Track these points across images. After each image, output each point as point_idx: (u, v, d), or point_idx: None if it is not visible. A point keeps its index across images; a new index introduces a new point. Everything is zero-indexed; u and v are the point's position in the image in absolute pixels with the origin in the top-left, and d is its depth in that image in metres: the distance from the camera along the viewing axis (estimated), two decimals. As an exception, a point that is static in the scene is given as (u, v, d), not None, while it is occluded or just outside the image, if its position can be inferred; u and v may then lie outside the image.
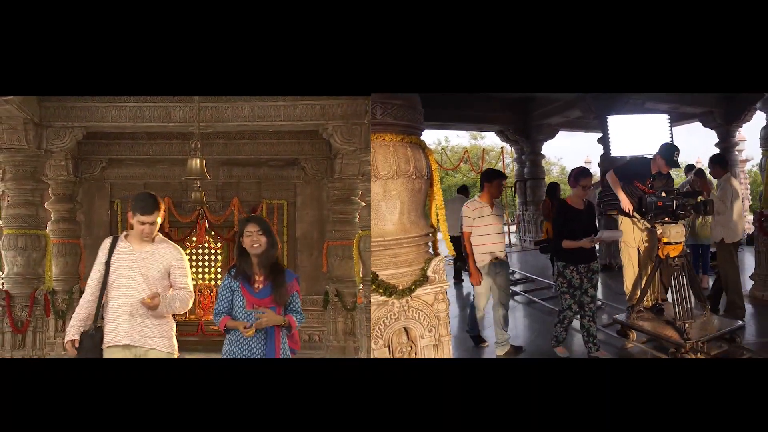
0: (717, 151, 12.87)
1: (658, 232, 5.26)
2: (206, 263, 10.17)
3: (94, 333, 3.59)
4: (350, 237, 7.77)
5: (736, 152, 14.40)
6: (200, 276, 10.02)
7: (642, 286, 5.71)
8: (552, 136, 14.89)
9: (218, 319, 3.56)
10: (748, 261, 9.27)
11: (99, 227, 9.57)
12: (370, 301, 6.71)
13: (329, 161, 8.77)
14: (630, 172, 6.02)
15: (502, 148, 17.68)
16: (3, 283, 7.12)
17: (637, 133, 9.36)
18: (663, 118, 9.69)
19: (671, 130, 9.64)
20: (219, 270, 10.04)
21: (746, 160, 22.55)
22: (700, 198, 5.36)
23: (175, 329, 3.81)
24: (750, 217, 13.33)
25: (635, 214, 5.72)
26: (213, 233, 9.86)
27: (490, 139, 30.96)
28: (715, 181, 7.33)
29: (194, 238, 9.84)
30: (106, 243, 3.78)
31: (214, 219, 9.60)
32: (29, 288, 6.93)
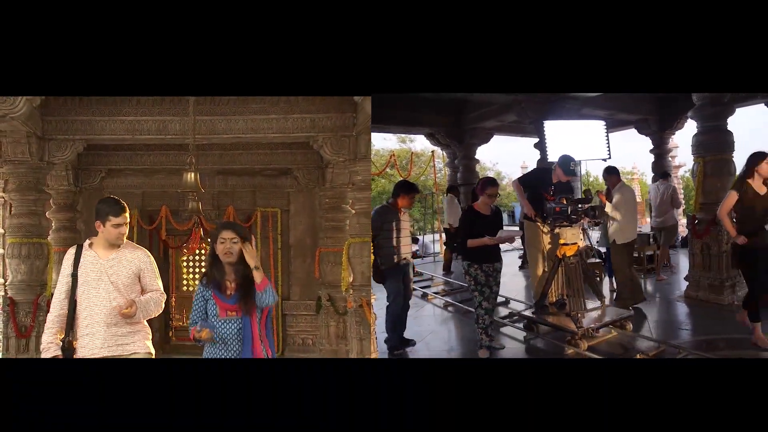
0: (652, 157, 13.58)
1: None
2: (203, 269, 10.43)
3: (66, 347, 3.46)
4: (342, 244, 7.96)
5: (670, 158, 14.84)
6: (196, 282, 10.27)
7: (545, 284, 6.16)
8: (486, 140, 14.31)
9: (190, 329, 3.45)
10: (682, 263, 9.61)
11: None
12: (361, 306, 7.05)
13: (321, 170, 9.01)
14: (533, 180, 6.66)
15: (432, 152, 16.73)
16: (7, 290, 7.34)
17: (574, 138, 9.29)
18: (599, 124, 9.73)
19: (607, 136, 9.67)
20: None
21: (679, 166, 23.16)
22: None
23: (150, 334, 3.72)
24: (684, 221, 13.74)
25: (537, 218, 6.25)
26: (209, 240, 10.10)
27: (421, 143, 29.71)
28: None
29: (190, 245, 10.09)
30: (70, 254, 3.63)
31: (209, 227, 9.84)
32: (32, 294, 7.16)
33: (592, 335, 5.60)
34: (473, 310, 5.80)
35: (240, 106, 7.18)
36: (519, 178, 6.94)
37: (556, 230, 5.77)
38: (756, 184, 5.33)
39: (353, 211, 7.35)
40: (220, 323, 3.39)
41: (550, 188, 6.33)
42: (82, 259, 3.55)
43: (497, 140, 15.23)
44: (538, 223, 6.26)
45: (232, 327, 3.39)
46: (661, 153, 13.60)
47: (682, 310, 7.17)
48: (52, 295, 7.22)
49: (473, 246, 5.38)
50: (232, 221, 3.95)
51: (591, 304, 6.12)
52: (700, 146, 7.42)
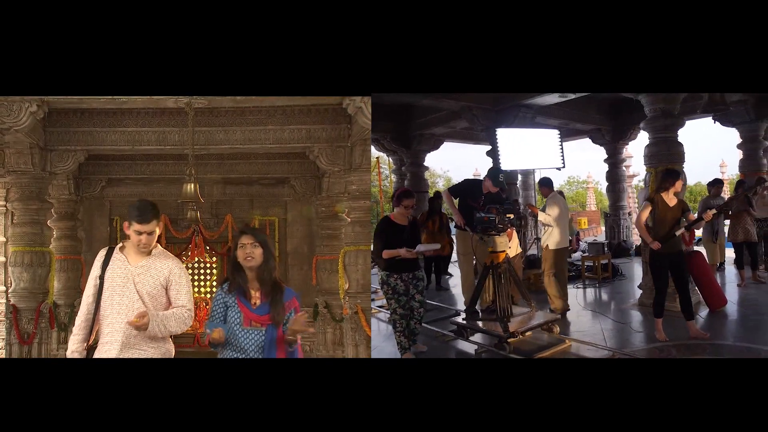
0: (607, 166, 14.02)
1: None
2: (202, 277, 10.59)
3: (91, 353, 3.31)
4: (338, 252, 8.04)
5: (624, 168, 15.10)
6: (196, 290, 10.43)
7: (474, 290, 6.38)
8: (436, 147, 13.94)
9: (208, 331, 3.24)
10: (636, 271, 9.72)
11: (99, 243, 9.94)
12: (356, 312, 7.18)
13: (317, 180, 9.15)
14: (462, 191, 6.98)
15: (377, 158, 16.17)
16: (10, 298, 7.47)
17: (527, 146, 9.25)
18: (553, 133, 9.77)
19: (561, 144, 9.69)
20: (214, 283, 10.45)
21: (633, 176, 23.34)
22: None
23: (173, 353, 3.48)
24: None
25: (467, 227, 6.50)
26: (208, 248, 10.27)
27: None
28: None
29: (190, 253, 10.26)
30: (101, 255, 3.41)
31: (208, 235, 10.00)
32: (35, 302, 7.28)
33: (522, 339, 5.94)
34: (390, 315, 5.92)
35: (237, 117, 7.33)
36: (449, 188, 7.27)
37: (485, 239, 6.00)
38: (668, 197, 5.94)
39: (348, 220, 7.49)
40: (241, 333, 3.22)
41: (479, 198, 6.61)
42: (111, 263, 3.35)
43: (448, 147, 15.05)
44: (468, 231, 6.51)
45: (255, 338, 3.21)
46: (615, 162, 14.00)
47: (636, 317, 7.30)
48: (54, 303, 7.50)
49: (388, 257, 5.48)
50: (254, 227, 3.76)
51: (520, 309, 6.40)
52: (651, 157, 7.58)
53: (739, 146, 11.57)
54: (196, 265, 10.50)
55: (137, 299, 3.28)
